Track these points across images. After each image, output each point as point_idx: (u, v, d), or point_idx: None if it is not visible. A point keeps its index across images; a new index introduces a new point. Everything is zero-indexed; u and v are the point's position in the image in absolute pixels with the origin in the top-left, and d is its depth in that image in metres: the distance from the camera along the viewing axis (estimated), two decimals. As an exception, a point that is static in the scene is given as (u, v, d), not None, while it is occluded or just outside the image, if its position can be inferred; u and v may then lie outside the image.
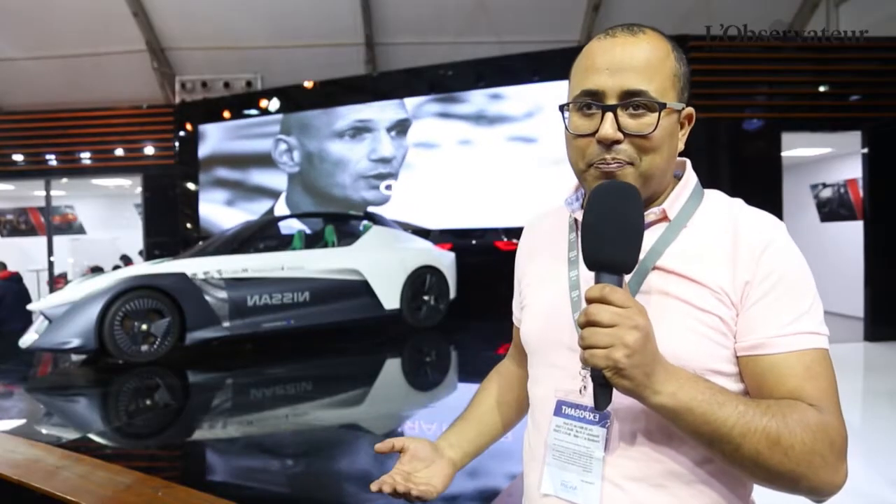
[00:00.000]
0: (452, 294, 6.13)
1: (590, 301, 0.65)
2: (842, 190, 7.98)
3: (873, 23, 6.21)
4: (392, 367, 4.85)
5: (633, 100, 0.73)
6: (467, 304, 6.27)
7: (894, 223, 6.07)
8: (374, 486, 0.81)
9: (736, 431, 0.64)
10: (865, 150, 6.22)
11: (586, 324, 0.65)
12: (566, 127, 0.78)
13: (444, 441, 0.96)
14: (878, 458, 3.06)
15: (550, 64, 6.78)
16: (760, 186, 6.12)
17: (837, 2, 7.47)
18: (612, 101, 0.73)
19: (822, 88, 6.24)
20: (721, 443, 0.65)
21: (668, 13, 7.62)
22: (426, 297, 5.91)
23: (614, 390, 0.66)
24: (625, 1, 7.99)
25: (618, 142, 0.73)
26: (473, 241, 6.97)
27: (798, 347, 0.70)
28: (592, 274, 0.69)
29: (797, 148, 7.24)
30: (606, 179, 0.74)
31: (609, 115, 0.73)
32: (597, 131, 0.73)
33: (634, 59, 0.74)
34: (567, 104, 0.78)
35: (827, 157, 8.07)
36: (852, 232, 7.03)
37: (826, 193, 8.30)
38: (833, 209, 8.17)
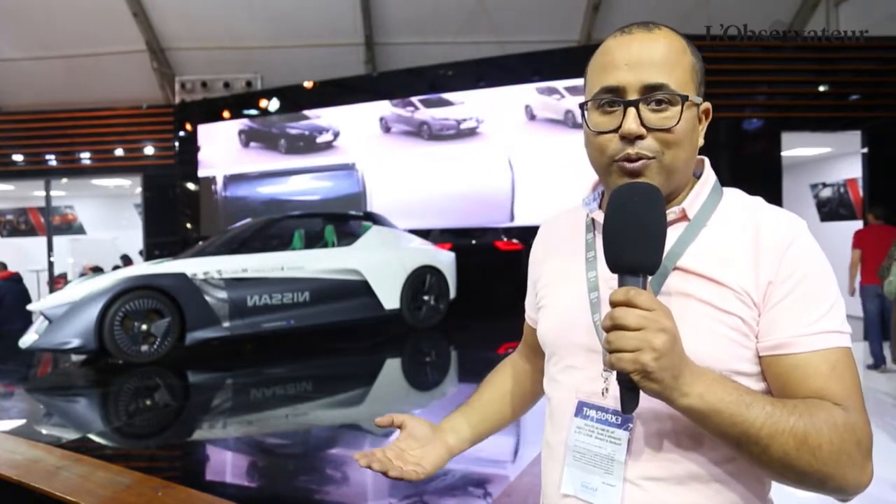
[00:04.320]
0: (452, 294, 6.12)
1: (614, 304, 0.64)
2: (841, 189, 7.98)
3: (873, 23, 6.20)
4: (392, 367, 4.85)
5: (654, 94, 0.73)
6: (467, 304, 6.26)
7: (894, 223, 6.07)
8: (362, 462, 0.80)
9: (764, 432, 0.64)
10: (865, 150, 6.22)
11: (612, 327, 0.64)
12: (586, 125, 0.77)
13: (446, 423, 0.96)
14: (878, 458, 3.05)
15: (550, 64, 6.77)
16: (760, 186, 6.12)
17: (837, 2, 7.46)
18: (633, 96, 0.73)
19: (822, 88, 6.24)
20: (749, 444, 0.65)
21: (668, 13, 7.60)
22: (426, 297, 5.91)
23: (641, 393, 0.66)
24: (624, 1, 7.98)
25: (641, 137, 0.72)
26: (473, 241, 6.97)
27: (822, 346, 0.70)
28: (610, 274, 0.69)
29: (797, 147, 7.24)
30: (630, 178, 0.73)
31: (631, 111, 0.72)
32: (619, 127, 0.73)
33: (653, 54, 0.74)
34: (587, 102, 0.77)
35: (827, 157, 8.07)
36: (852, 231, 7.02)
37: (826, 193, 8.29)
38: (833, 209, 8.16)
